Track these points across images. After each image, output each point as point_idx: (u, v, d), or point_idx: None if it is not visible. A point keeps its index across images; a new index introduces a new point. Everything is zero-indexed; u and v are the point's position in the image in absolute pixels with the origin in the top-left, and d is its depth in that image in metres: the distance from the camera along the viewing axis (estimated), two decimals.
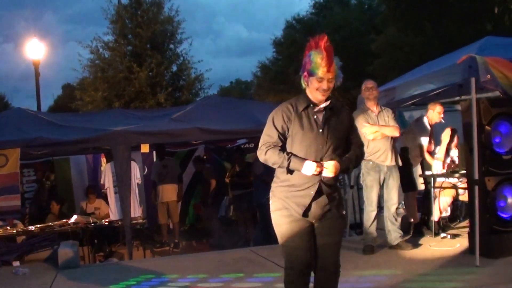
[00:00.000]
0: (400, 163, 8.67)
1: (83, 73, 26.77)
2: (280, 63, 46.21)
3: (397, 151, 8.86)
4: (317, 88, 4.65)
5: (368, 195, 8.58)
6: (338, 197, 4.85)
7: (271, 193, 4.88)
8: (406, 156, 9.53)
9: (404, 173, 9.51)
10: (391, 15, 30.33)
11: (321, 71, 4.59)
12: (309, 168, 4.53)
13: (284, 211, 4.72)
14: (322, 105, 4.71)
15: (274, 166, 4.71)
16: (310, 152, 4.64)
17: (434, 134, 9.92)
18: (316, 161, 4.58)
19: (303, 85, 4.83)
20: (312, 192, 4.65)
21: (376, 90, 8.59)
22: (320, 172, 4.56)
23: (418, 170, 9.70)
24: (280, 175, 4.80)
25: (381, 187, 8.61)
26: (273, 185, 4.89)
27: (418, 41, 27.06)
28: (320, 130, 4.67)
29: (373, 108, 8.57)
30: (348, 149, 4.83)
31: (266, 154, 4.66)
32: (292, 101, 4.82)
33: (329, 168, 4.56)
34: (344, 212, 5.01)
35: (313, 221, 4.72)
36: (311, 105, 4.72)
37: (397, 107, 10.00)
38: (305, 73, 4.75)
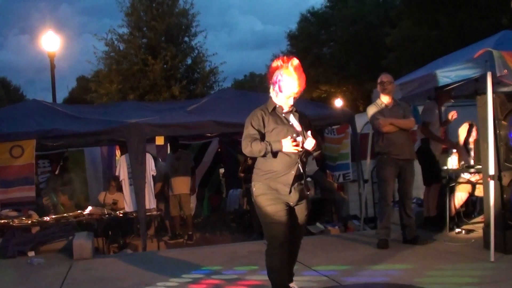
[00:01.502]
0: (414, 156, 8.66)
1: (98, 65, 26.84)
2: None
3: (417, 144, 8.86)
4: (285, 102, 5.76)
5: (383, 189, 8.56)
6: (307, 186, 5.87)
7: (253, 182, 5.80)
8: (428, 147, 9.50)
9: (426, 165, 9.50)
10: (406, 9, 30.23)
11: (292, 93, 5.70)
12: (286, 143, 5.46)
13: (269, 195, 5.64)
14: (287, 109, 5.79)
15: (260, 154, 5.56)
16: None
17: (451, 130, 9.88)
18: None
19: (271, 94, 5.83)
20: (293, 172, 5.61)
21: (391, 85, 8.57)
22: (297, 145, 5.48)
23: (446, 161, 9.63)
24: (262, 166, 5.74)
25: (396, 181, 8.60)
26: (255, 176, 5.81)
27: (433, 35, 26.94)
28: (290, 123, 5.74)
29: (388, 102, 8.55)
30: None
31: (252, 146, 5.54)
32: (262, 107, 5.81)
33: (308, 140, 5.57)
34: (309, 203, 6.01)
35: (292, 204, 5.69)
36: (277, 106, 5.77)
37: (412, 101, 9.95)
38: (274, 87, 5.76)
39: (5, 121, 10.75)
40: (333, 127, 11.84)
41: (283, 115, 5.76)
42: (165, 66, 25.40)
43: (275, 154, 5.57)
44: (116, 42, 26.38)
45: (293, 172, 5.61)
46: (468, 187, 9.47)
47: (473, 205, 10.25)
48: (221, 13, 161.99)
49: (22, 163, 10.06)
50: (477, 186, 9.24)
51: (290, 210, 5.71)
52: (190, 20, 27.07)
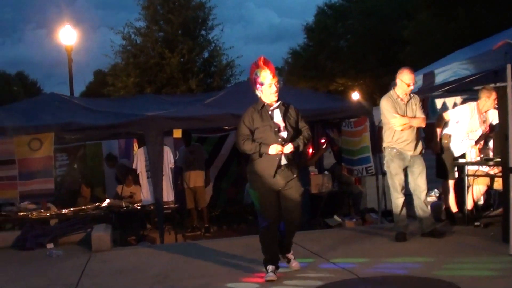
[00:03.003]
0: (423, 151, 8.65)
1: (115, 59, 26.92)
2: (311, 49, 46.12)
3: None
4: (270, 92, 6.52)
5: (392, 182, 8.55)
6: (296, 174, 6.70)
7: (248, 174, 6.72)
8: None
9: (442, 160, 9.45)
10: (423, 1, 30.03)
11: (268, 79, 6.49)
12: (272, 149, 6.38)
13: (259, 184, 6.57)
14: (275, 105, 6.60)
15: (250, 153, 6.57)
16: (269, 135, 6.49)
17: None
18: (278, 144, 6.43)
19: (258, 94, 6.64)
20: (277, 158, 6.48)
21: (413, 83, 8.48)
22: (282, 150, 6.41)
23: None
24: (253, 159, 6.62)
25: (405, 174, 8.60)
26: (250, 167, 6.69)
27: (450, 27, 26.77)
28: (273, 121, 6.55)
29: (403, 96, 8.49)
30: (299, 132, 6.72)
31: (244, 145, 6.53)
32: (254, 105, 6.66)
33: (287, 146, 6.46)
34: (302, 189, 6.84)
35: (280, 189, 6.57)
36: (265, 105, 6.59)
37: (430, 94, 9.90)
38: (258, 86, 6.58)
39: (23, 114, 10.81)
40: (350, 120, 11.80)
41: (270, 112, 6.58)
42: (182, 59, 25.44)
43: (261, 155, 6.51)
44: (133, 36, 26.48)
45: (277, 159, 6.49)
46: (486, 180, 9.41)
47: (492, 198, 10.19)
48: (237, 6, 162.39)
49: (41, 156, 10.16)
50: (496, 179, 9.18)
51: (278, 194, 6.62)
52: (207, 13, 27.06)
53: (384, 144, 8.66)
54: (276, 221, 6.64)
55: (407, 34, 30.71)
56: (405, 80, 8.32)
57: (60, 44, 22.62)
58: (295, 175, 6.68)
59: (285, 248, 7.04)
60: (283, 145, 6.45)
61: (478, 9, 25.82)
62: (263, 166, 6.53)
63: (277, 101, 6.60)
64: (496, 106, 9.03)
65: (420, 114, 8.45)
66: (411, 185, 8.62)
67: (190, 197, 12.89)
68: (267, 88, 6.50)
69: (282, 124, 6.56)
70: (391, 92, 8.57)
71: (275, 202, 6.59)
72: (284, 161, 6.54)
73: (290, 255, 7.08)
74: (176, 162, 12.38)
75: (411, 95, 8.54)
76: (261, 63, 6.57)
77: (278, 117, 6.60)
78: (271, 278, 6.56)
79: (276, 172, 6.52)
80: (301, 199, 6.76)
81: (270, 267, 6.64)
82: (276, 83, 6.53)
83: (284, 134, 6.53)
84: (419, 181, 8.52)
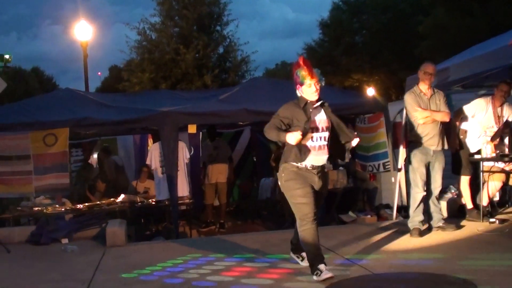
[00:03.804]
0: (446, 147, 8.62)
1: (130, 54, 26.98)
2: (326, 45, 45.97)
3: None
4: (310, 92, 6.43)
5: (414, 176, 8.55)
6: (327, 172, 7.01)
7: (281, 169, 6.61)
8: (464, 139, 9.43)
9: (459, 156, 9.43)
10: None
11: (307, 79, 6.40)
12: (291, 137, 6.13)
13: (298, 180, 6.47)
14: (318, 104, 6.49)
15: (273, 140, 6.67)
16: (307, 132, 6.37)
17: None
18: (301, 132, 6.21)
19: (298, 94, 6.56)
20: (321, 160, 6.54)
21: (434, 77, 8.49)
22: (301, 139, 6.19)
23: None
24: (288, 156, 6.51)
25: (427, 169, 8.57)
26: (283, 164, 6.61)
27: (466, 23, 26.64)
28: (314, 119, 6.47)
29: (426, 91, 8.48)
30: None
31: (268, 131, 6.46)
32: (295, 101, 6.56)
33: (355, 140, 6.65)
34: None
35: (315, 187, 6.53)
36: (308, 102, 6.46)
37: (447, 89, 9.85)
38: (298, 86, 6.52)
39: (38, 109, 10.88)
40: (365, 116, 11.76)
41: (311, 110, 6.45)
42: (197, 55, 25.41)
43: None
44: (148, 31, 26.47)
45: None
46: (502, 176, 9.36)
47: (508, 194, 10.14)
48: (252, 2, 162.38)
49: (56, 151, 10.19)
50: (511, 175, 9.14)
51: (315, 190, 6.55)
52: (222, 8, 27.02)
53: (410, 138, 8.67)
54: (316, 214, 6.44)
55: (423, 29, 30.57)
56: (428, 70, 8.38)
57: (76, 40, 22.78)
58: (327, 175, 6.94)
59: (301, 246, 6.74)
60: (350, 140, 6.61)
61: (494, 4, 25.66)
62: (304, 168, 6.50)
63: (317, 100, 6.48)
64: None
65: (444, 108, 8.44)
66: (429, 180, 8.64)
67: (211, 193, 12.96)
68: (307, 88, 6.43)
69: (324, 124, 6.53)
70: (415, 87, 8.61)
71: (314, 197, 6.45)
72: (324, 161, 6.63)
73: (305, 254, 6.82)
74: (200, 158, 12.43)
75: (435, 90, 8.56)
76: (301, 62, 6.49)
77: (319, 116, 6.54)
78: (329, 275, 6.18)
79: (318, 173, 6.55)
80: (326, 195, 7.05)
81: (322, 266, 6.26)
82: (316, 84, 6.41)
83: (325, 133, 6.52)
84: (436, 177, 8.57)
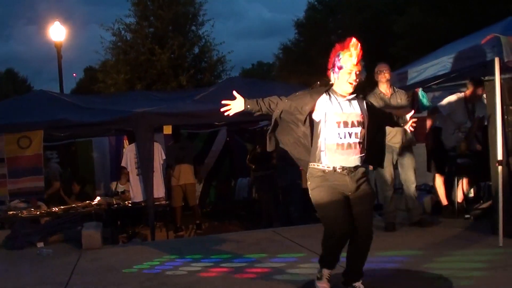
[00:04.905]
0: (415, 143, 8.88)
1: (105, 55, 26.88)
2: (302, 45, 46.09)
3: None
4: (347, 80, 5.32)
5: (382, 175, 8.73)
6: (367, 175, 5.51)
7: (308, 174, 5.49)
8: (439, 137, 9.52)
9: (436, 154, 9.55)
10: None
11: (350, 64, 5.30)
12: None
13: (323, 188, 5.33)
14: (350, 97, 5.40)
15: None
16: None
17: None
18: None
19: (331, 79, 5.48)
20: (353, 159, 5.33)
21: (388, 73, 8.72)
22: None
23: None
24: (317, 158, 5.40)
25: (395, 167, 8.81)
26: (309, 167, 5.48)
27: (441, 21, 26.84)
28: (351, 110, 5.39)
29: (386, 91, 8.70)
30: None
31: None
32: (323, 88, 5.51)
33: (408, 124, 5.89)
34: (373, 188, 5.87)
35: (349, 194, 5.33)
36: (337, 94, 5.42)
37: (421, 87, 9.90)
38: (336, 69, 5.40)
39: (12, 112, 10.81)
40: None
41: (344, 101, 5.40)
42: (172, 55, 25.37)
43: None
44: (123, 32, 26.38)
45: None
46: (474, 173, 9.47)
47: (482, 190, 10.23)
48: (228, 2, 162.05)
49: (30, 153, 10.12)
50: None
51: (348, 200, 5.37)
52: (197, 8, 27.01)
53: None
54: (348, 232, 5.33)
55: (398, 28, 30.75)
56: (379, 68, 8.77)
57: (50, 41, 22.59)
58: (365, 178, 5.48)
59: (354, 274, 5.68)
60: (404, 125, 5.92)
61: (469, 4, 25.87)
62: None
63: (351, 93, 5.38)
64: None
65: (404, 104, 8.69)
66: (402, 177, 8.88)
67: (179, 195, 12.68)
68: (345, 74, 5.32)
69: (356, 118, 5.36)
70: (375, 89, 8.82)
71: (346, 209, 5.31)
72: (357, 162, 5.38)
73: (358, 284, 5.62)
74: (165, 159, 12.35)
75: (395, 89, 8.84)
76: (349, 44, 5.38)
77: (350, 108, 5.41)
78: (324, 285, 5.60)
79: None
80: (372, 205, 5.64)
81: (326, 272, 5.61)
82: (358, 72, 5.32)
83: (356, 129, 5.33)
84: (409, 173, 8.76)
